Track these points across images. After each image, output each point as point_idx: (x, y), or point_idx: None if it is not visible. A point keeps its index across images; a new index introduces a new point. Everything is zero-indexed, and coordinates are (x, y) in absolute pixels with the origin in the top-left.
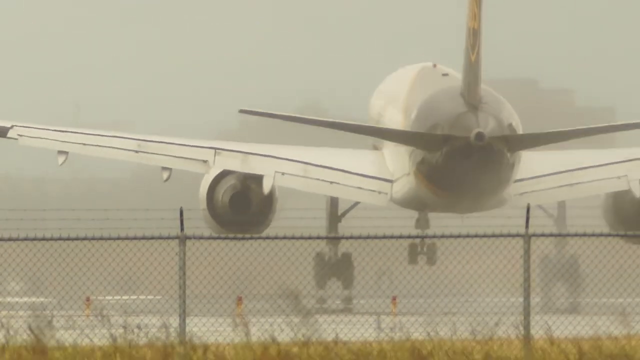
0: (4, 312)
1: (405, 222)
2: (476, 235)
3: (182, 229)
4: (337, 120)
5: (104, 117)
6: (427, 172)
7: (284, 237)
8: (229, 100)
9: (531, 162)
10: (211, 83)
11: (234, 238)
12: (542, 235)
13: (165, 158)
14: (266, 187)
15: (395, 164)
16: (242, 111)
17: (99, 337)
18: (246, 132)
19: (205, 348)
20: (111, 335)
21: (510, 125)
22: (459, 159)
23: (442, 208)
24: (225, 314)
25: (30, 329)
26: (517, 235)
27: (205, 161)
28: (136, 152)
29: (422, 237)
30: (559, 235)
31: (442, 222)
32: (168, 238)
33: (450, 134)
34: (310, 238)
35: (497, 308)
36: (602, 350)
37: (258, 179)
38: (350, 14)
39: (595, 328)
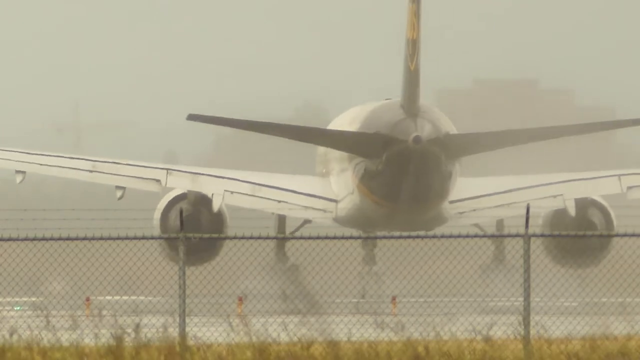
0: (4, 312)
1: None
2: (476, 236)
3: (182, 229)
4: (292, 125)
5: (104, 117)
6: (369, 183)
7: (284, 238)
8: (229, 100)
9: (470, 185)
10: (211, 83)
11: (234, 238)
12: (542, 235)
13: (119, 178)
14: (215, 205)
15: (340, 185)
16: (190, 117)
17: (99, 337)
18: (246, 132)
19: (205, 348)
20: (111, 335)
21: (447, 132)
22: (399, 164)
23: (385, 224)
24: (225, 314)
25: (30, 328)
26: (517, 235)
27: (158, 180)
28: (90, 172)
29: (422, 237)
30: (559, 235)
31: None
32: (168, 238)
33: (390, 139)
34: (310, 238)
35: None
36: (601, 350)
37: (208, 202)
38: (350, 14)
39: (595, 328)
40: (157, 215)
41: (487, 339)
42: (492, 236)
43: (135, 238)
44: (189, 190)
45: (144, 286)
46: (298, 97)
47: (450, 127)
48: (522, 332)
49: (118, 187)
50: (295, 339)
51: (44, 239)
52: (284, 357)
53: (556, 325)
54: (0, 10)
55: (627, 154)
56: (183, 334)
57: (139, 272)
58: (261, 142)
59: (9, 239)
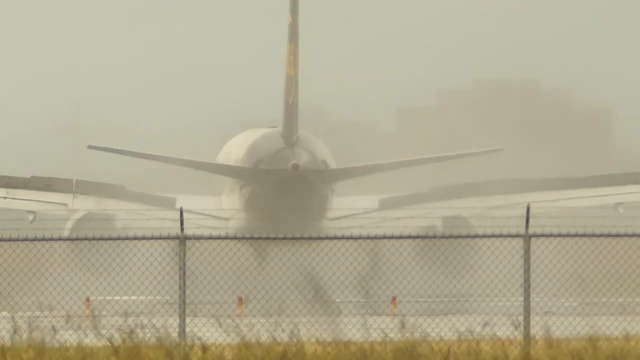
0: (4, 313)
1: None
2: (476, 236)
3: (182, 229)
4: (179, 158)
5: (104, 117)
6: (254, 205)
7: (284, 238)
8: (229, 101)
9: (348, 202)
10: (211, 84)
11: (234, 238)
12: (542, 235)
13: (30, 202)
14: (119, 224)
15: (230, 204)
16: (90, 147)
17: (99, 338)
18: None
19: (206, 348)
20: (111, 335)
21: (324, 160)
22: (280, 189)
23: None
24: (225, 314)
25: (30, 329)
26: (517, 235)
27: (64, 204)
28: (4, 198)
29: (423, 237)
30: (559, 235)
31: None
32: (168, 238)
33: (271, 167)
34: (310, 238)
35: (498, 308)
36: (601, 351)
37: (112, 221)
38: (351, 13)
39: (596, 328)
40: (66, 233)
41: (487, 339)
42: (492, 236)
43: (135, 238)
44: (93, 211)
45: (144, 286)
46: (299, 97)
47: (326, 153)
48: (523, 333)
49: (29, 212)
50: (295, 339)
51: (44, 239)
52: (285, 357)
53: (556, 326)
54: (0, 10)
55: (626, 155)
56: (183, 334)
57: (139, 272)
58: None
59: (9, 239)
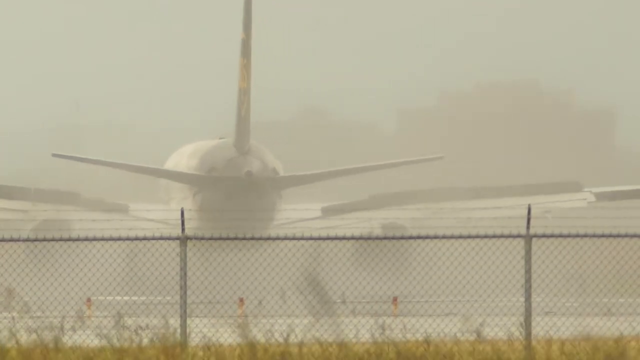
0: (5, 313)
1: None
2: (477, 236)
3: (182, 230)
4: (143, 165)
5: (104, 117)
6: (208, 210)
7: (285, 238)
8: (230, 101)
9: (295, 212)
10: (211, 84)
11: (235, 238)
12: (544, 235)
13: None
14: (73, 231)
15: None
16: (54, 155)
17: (100, 338)
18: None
19: (207, 349)
20: (112, 335)
21: (274, 168)
22: (233, 195)
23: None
24: (226, 314)
25: (31, 330)
26: (518, 235)
27: (25, 211)
28: None
29: (424, 238)
30: (560, 236)
31: (443, 222)
32: (169, 239)
33: (225, 174)
34: (310, 238)
35: (499, 309)
36: (602, 351)
37: (70, 227)
38: (351, 13)
39: (597, 329)
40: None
41: (488, 340)
42: (492, 236)
43: (136, 239)
44: (50, 220)
45: (144, 286)
46: (299, 97)
47: (276, 163)
48: (523, 333)
49: None
50: (296, 339)
51: (44, 239)
52: (286, 357)
53: (557, 326)
54: (0, 10)
55: (626, 155)
56: (184, 335)
57: (140, 273)
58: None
59: (10, 240)
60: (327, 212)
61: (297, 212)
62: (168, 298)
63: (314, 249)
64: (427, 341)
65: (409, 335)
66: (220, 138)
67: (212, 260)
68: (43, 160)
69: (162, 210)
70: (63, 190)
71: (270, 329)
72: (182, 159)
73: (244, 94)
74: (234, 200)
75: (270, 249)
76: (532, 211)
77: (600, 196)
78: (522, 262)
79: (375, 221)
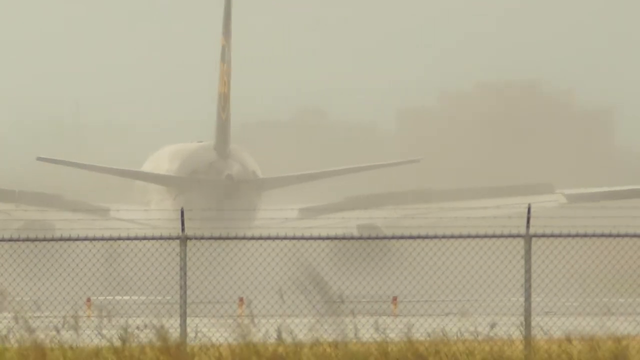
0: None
1: None
2: (477, 236)
3: (182, 230)
4: (126, 169)
5: (104, 117)
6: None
7: (285, 237)
8: (229, 101)
9: (274, 212)
10: (211, 83)
11: (235, 238)
12: (543, 235)
13: None
14: (50, 232)
15: (160, 212)
16: (39, 159)
17: (99, 338)
18: (247, 132)
19: (206, 349)
20: (112, 336)
21: (253, 171)
22: (214, 196)
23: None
24: (226, 314)
25: (30, 329)
26: (518, 235)
27: (7, 213)
28: None
29: (423, 238)
30: (560, 235)
31: (443, 222)
32: (169, 238)
33: (207, 177)
34: (311, 238)
35: (498, 308)
36: (602, 351)
37: (52, 230)
38: (351, 13)
39: (597, 329)
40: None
41: (488, 339)
42: (492, 236)
43: (136, 238)
44: (34, 220)
45: (144, 286)
46: (298, 97)
47: (255, 166)
48: (523, 333)
49: None
50: (297, 339)
51: (44, 239)
52: (286, 357)
53: (557, 326)
54: (0, 10)
55: (626, 155)
56: (184, 335)
57: (139, 273)
58: (260, 145)
59: (10, 240)
60: (305, 213)
61: (275, 213)
62: (159, 298)
63: (288, 249)
64: (426, 341)
65: (408, 335)
66: (199, 141)
67: (204, 260)
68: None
69: (142, 212)
70: (46, 193)
71: (270, 328)
72: (162, 162)
73: (224, 99)
74: (214, 203)
75: (245, 248)
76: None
77: (571, 198)
78: (522, 262)
79: (353, 221)
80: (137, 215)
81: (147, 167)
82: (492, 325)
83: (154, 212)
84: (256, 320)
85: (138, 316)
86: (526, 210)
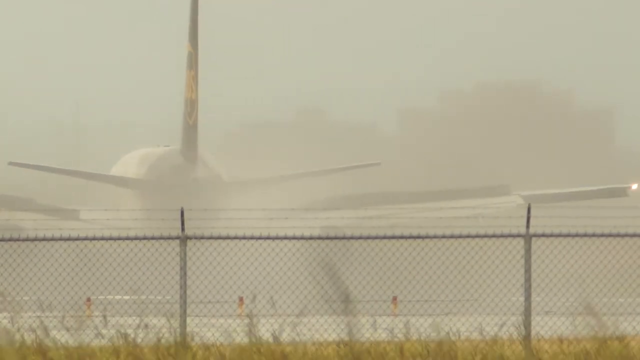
0: (4, 313)
1: None
2: (477, 236)
3: (182, 230)
4: (96, 173)
5: (105, 117)
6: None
7: (285, 237)
8: (230, 101)
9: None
10: (211, 83)
11: (235, 238)
12: (543, 235)
13: None
14: (24, 233)
15: (129, 214)
16: (10, 163)
17: (100, 338)
18: (247, 132)
19: (206, 348)
20: (112, 335)
21: (219, 175)
22: (181, 199)
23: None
24: (226, 314)
25: (30, 329)
26: (518, 235)
27: None
28: None
29: (424, 237)
30: (560, 235)
31: (443, 222)
32: (169, 238)
33: (174, 180)
34: (310, 238)
35: (498, 308)
36: (602, 351)
37: (20, 231)
38: (351, 13)
39: (597, 329)
40: None
41: (487, 339)
42: (492, 236)
43: (136, 238)
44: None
45: (144, 286)
46: (298, 97)
47: (221, 170)
48: (523, 333)
49: None
50: (297, 339)
51: (44, 239)
52: (286, 357)
53: (557, 326)
54: (0, 10)
55: (626, 155)
56: (184, 334)
57: (139, 272)
58: (261, 144)
59: (10, 239)
60: (271, 215)
61: (241, 214)
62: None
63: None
64: (426, 340)
65: (408, 335)
66: (166, 146)
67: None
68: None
69: (111, 213)
70: (18, 196)
71: (270, 328)
72: (131, 166)
73: (190, 104)
74: (181, 205)
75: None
76: (462, 214)
77: (527, 199)
78: (522, 261)
79: (318, 222)
80: (106, 217)
81: (117, 170)
82: (492, 325)
83: (123, 213)
84: (256, 320)
85: (130, 316)
86: (477, 213)
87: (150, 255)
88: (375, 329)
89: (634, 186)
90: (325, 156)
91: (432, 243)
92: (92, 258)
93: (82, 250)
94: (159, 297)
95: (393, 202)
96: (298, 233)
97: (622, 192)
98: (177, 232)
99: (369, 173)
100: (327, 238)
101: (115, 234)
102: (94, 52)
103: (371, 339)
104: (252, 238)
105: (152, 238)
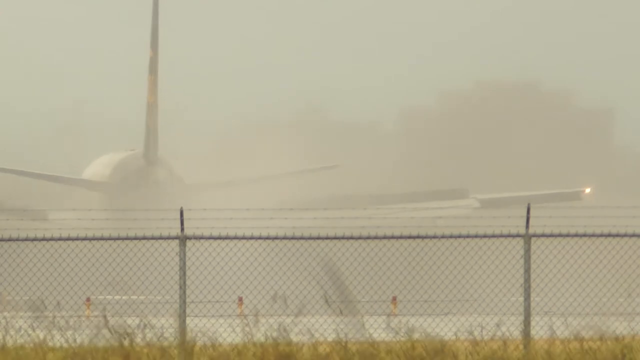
0: (4, 313)
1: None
2: (476, 236)
3: (182, 229)
4: (60, 175)
5: (105, 117)
6: (120, 214)
7: (284, 237)
8: (230, 100)
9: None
10: (211, 83)
11: (234, 238)
12: (543, 235)
13: None
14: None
15: (97, 214)
16: None
17: (99, 338)
18: (247, 132)
19: (206, 348)
20: (111, 335)
21: (180, 177)
22: (144, 199)
23: None
24: (226, 314)
25: (30, 329)
26: (517, 235)
27: None
28: None
29: (423, 237)
30: (559, 235)
31: (442, 222)
32: (168, 238)
33: (136, 183)
34: (310, 238)
35: (498, 308)
36: (602, 351)
37: None
38: (351, 13)
39: (596, 329)
40: None
41: (487, 339)
42: (492, 236)
43: (135, 238)
44: None
45: (144, 286)
46: (298, 97)
47: (182, 172)
48: (523, 333)
49: None
50: (297, 338)
51: (44, 239)
52: (287, 357)
53: (557, 326)
54: (1, 10)
55: (626, 155)
56: (183, 334)
57: (139, 272)
58: (261, 143)
59: (9, 239)
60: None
61: (225, 214)
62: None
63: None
64: (426, 340)
65: (408, 335)
66: (132, 150)
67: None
68: (43, 160)
69: (80, 214)
70: None
71: (270, 327)
72: (99, 169)
73: (151, 108)
74: (144, 207)
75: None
76: (420, 217)
77: (484, 203)
78: (522, 261)
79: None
80: (73, 217)
81: (88, 173)
82: (492, 325)
83: (93, 214)
84: (256, 320)
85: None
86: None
87: (133, 255)
88: (375, 329)
89: (587, 190)
90: (325, 156)
91: (432, 243)
92: (91, 258)
93: (73, 251)
94: (159, 297)
95: (355, 205)
96: (272, 233)
97: (576, 196)
98: (148, 232)
99: (331, 175)
100: (327, 238)
101: (84, 234)
102: (94, 52)
103: (370, 339)
104: (252, 238)
105: (152, 238)
